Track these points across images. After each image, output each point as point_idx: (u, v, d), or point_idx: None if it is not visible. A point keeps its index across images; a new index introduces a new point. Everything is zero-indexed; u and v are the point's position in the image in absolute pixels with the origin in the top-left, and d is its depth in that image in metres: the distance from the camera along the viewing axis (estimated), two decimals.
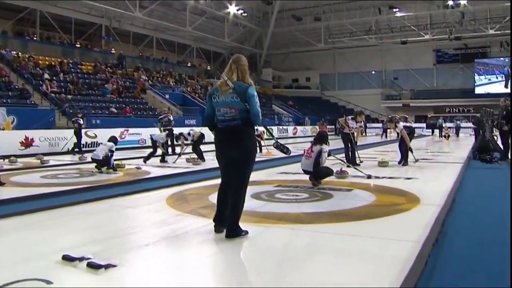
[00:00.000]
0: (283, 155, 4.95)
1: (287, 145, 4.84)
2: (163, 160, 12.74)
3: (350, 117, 11.60)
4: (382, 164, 10.83)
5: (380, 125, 39.93)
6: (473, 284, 3.20)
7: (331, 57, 49.60)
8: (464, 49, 43.91)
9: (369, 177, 8.63)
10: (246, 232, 4.34)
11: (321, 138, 7.97)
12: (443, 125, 30.72)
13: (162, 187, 7.77)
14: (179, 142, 13.71)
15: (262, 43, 47.54)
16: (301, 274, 3.41)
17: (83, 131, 17.39)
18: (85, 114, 21.49)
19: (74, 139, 16.78)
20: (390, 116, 20.01)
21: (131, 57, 34.75)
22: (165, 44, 39.83)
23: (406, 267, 3.33)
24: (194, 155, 12.51)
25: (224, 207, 4.39)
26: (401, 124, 12.33)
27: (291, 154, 5.05)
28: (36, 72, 24.28)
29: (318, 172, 7.69)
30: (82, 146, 16.79)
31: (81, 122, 16.99)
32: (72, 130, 17.04)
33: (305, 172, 7.88)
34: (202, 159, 12.13)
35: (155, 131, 16.32)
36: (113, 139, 10.74)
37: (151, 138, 13.14)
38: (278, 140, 4.80)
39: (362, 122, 12.49)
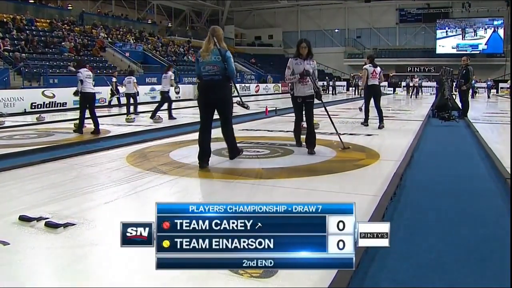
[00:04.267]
0: (245, 111, 5.26)
1: (248, 102, 5.19)
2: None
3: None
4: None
5: (344, 83, 40.59)
6: (426, 231, 3.32)
7: (294, 14, 49.11)
8: (426, 9, 44.28)
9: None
10: (242, 151, 6.20)
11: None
12: (410, 84, 32.34)
13: (122, 145, 7.65)
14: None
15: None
16: None
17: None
18: (42, 73, 20.71)
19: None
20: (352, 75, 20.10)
21: (89, 13, 33.40)
22: (125, 0, 38.43)
23: (364, 219, 3.41)
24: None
25: (207, 145, 5.64)
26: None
27: (253, 111, 5.18)
28: None
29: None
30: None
31: (114, 79, 18.94)
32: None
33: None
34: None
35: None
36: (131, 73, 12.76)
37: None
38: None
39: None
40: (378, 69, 10.35)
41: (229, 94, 5.76)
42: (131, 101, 14.74)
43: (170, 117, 12.68)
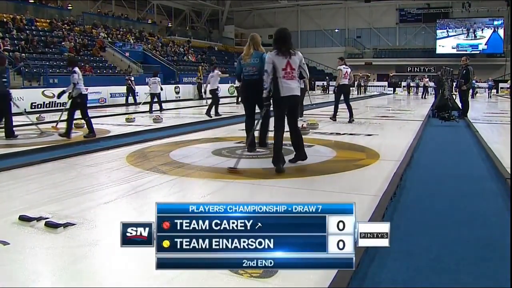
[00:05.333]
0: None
1: None
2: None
3: None
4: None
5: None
6: (426, 231, 3.32)
7: (294, 14, 49.04)
8: (427, 9, 44.25)
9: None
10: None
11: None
12: (420, 84, 33.06)
13: (122, 145, 7.64)
14: None
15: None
16: None
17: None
18: (42, 73, 20.69)
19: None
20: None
21: (89, 13, 33.38)
22: (125, 0, 38.41)
23: (364, 219, 3.41)
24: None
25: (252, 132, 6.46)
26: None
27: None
28: None
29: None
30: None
31: (133, 79, 20.83)
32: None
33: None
34: None
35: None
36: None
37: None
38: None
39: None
40: (349, 69, 11.54)
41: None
42: (155, 99, 15.73)
43: (217, 114, 13.36)
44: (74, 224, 3.40)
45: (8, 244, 3.05)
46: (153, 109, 15.37)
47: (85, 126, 9.18)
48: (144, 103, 18.26)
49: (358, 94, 34.36)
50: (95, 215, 3.74)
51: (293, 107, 5.59)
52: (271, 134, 5.86)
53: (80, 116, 9.07)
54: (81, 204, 4.05)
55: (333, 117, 11.57)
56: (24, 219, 3.51)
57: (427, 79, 32.71)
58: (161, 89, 16.29)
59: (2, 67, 9.11)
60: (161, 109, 15.86)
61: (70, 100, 9.02)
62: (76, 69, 8.87)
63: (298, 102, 5.64)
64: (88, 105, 14.48)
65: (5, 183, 5.05)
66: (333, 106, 11.85)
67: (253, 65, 6.37)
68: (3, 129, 9.05)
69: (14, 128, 9.21)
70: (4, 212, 3.77)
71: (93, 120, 11.98)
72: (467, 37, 42.42)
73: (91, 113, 14.26)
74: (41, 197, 4.33)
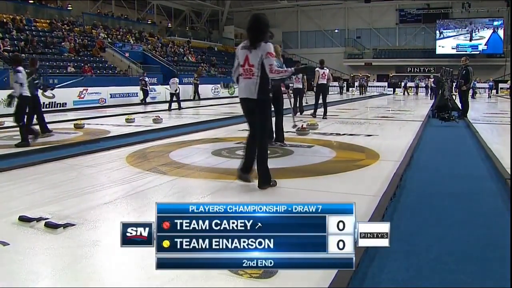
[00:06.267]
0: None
1: None
2: None
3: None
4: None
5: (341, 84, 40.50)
6: (426, 232, 3.32)
7: (294, 15, 49.06)
8: (426, 9, 44.27)
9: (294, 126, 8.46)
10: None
11: None
12: (409, 85, 34.44)
13: (122, 145, 7.63)
14: None
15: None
16: None
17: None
18: (42, 73, 20.65)
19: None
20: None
21: (89, 14, 33.38)
22: (125, 0, 38.40)
23: (364, 220, 3.41)
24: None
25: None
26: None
27: None
28: None
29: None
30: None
31: (147, 79, 22.47)
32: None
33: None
34: None
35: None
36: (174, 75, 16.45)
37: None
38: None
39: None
40: (327, 71, 12.74)
41: (280, 93, 7.34)
42: (174, 98, 17.25)
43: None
44: (74, 225, 3.40)
45: (8, 244, 3.05)
46: (172, 107, 16.92)
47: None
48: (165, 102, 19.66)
49: (360, 94, 34.96)
50: (95, 215, 3.73)
51: (250, 114, 4.55)
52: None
53: (78, 117, 9.09)
54: (81, 205, 4.05)
55: (314, 113, 12.65)
56: (24, 219, 3.50)
57: (433, 79, 32.80)
58: (178, 89, 17.66)
59: (32, 68, 9.17)
60: (179, 107, 17.27)
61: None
62: (20, 68, 7.93)
63: (254, 109, 4.46)
64: (88, 105, 14.32)
65: (5, 183, 5.04)
66: (331, 106, 11.99)
67: None
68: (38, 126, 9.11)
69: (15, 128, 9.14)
70: (4, 213, 3.77)
71: (93, 120, 12.04)
72: (471, 38, 42.41)
73: (91, 113, 14.33)
74: (41, 197, 4.32)
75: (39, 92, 9.75)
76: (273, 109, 6.60)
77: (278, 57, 6.64)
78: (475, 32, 42.21)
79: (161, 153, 6.75)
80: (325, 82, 12.56)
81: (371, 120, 10.74)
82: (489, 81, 35.03)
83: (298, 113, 12.66)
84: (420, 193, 4.52)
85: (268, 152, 4.69)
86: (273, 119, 6.62)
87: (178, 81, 17.85)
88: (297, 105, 12.98)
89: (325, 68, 12.55)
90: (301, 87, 12.89)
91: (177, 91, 17.33)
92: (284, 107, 7.66)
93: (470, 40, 42.31)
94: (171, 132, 9.66)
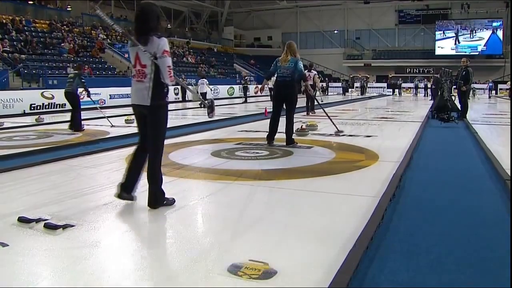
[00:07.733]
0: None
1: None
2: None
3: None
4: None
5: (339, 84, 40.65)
6: (426, 232, 3.32)
7: (293, 16, 49.15)
8: (426, 10, 44.32)
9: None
10: (297, 143, 7.48)
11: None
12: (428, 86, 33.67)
13: (121, 146, 7.58)
14: None
15: (224, 0, 46.49)
16: (262, 225, 3.48)
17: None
18: (41, 74, 20.67)
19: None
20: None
21: (89, 15, 33.37)
22: (124, 1, 38.39)
23: (364, 220, 3.41)
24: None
25: (275, 126, 7.41)
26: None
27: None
28: None
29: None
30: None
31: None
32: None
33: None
34: None
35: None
36: (202, 75, 16.95)
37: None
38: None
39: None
40: (312, 73, 14.11)
41: (294, 92, 7.46)
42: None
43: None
44: (73, 226, 3.40)
45: (7, 245, 3.04)
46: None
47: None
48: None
49: (361, 94, 35.65)
50: (95, 216, 3.72)
51: (141, 122, 3.98)
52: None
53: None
54: (81, 206, 4.05)
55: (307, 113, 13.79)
56: (23, 220, 3.49)
57: (402, 81, 33.44)
58: (207, 91, 18.83)
59: (79, 71, 10.97)
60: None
61: None
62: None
63: (146, 117, 3.87)
64: (88, 106, 14.46)
65: (5, 184, 5.03)
66: (331, 107, 12.11)
67: (288, 68, 7.29)
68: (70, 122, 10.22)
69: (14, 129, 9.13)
70: (4, 213, 3.76)
71: (93, 121, 12.05)
72: (471, 39, 42.51)
73: (91, 113, 14.32)
74: (41, 198, 4.32)
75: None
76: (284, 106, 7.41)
77: (295, 54, 7.40)
78: (474, 33, 42.25)
79: None
80: (312, 83, 13.20)
81: (370, 121, 10.74)
82: (489, 82, 35.04)
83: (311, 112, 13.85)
84: (419, 194, 4.51)
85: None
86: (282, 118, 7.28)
87: (207, 82, 18.71)
88: (309, 105, 14.03)
89: (312, 71, 13.54)
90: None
91: (205, 91, 18.04)
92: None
93: (470, 41, 42.35)
94: (170, 133, 9.59)
